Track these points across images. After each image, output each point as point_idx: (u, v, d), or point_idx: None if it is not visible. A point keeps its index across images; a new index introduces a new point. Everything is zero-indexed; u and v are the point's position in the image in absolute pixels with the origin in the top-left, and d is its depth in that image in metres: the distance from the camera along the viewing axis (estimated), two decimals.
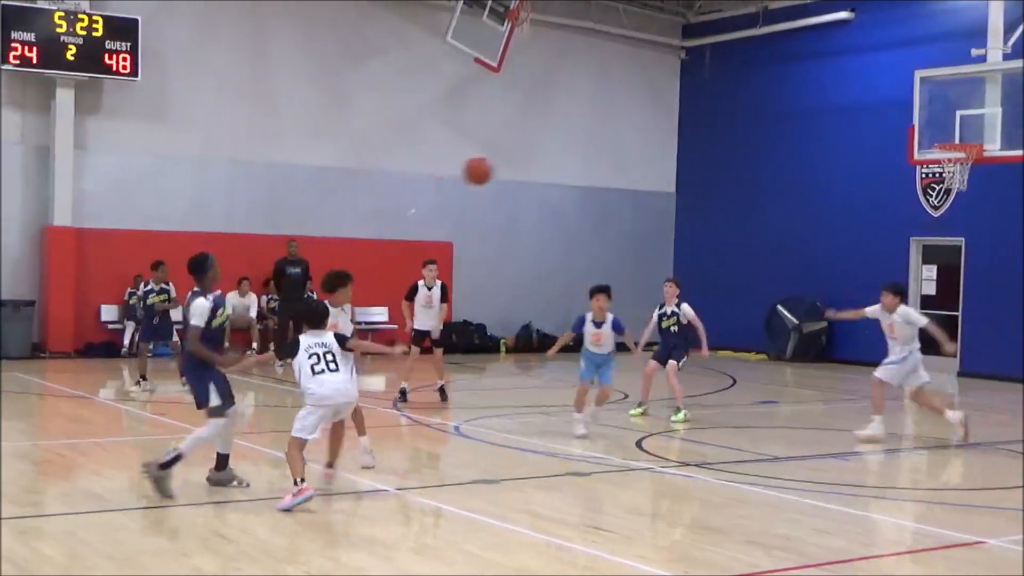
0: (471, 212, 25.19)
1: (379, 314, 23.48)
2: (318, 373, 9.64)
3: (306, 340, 9.83)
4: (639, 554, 8.20)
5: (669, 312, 15.70)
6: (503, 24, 23.25)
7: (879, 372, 14.02)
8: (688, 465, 11.79)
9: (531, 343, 25.33)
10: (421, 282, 16.36)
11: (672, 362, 15.45)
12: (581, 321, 14.29)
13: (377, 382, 19.14)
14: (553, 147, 26.56)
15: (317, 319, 10.01)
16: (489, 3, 23.15)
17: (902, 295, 14.22)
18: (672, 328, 15.56)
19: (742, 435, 14.64)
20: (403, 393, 15.99)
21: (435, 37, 23.86)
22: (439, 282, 16.45)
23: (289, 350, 9.88)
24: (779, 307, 24.75)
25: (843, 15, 24.79)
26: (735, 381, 20.35)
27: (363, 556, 7.94)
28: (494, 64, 23.47)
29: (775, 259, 23.22)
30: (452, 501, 9.64)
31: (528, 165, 26.17)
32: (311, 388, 9.57)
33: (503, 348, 25.10)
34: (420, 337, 16.30)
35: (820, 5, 25.09)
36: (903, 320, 13.97)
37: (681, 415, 15.15)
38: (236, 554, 7.86)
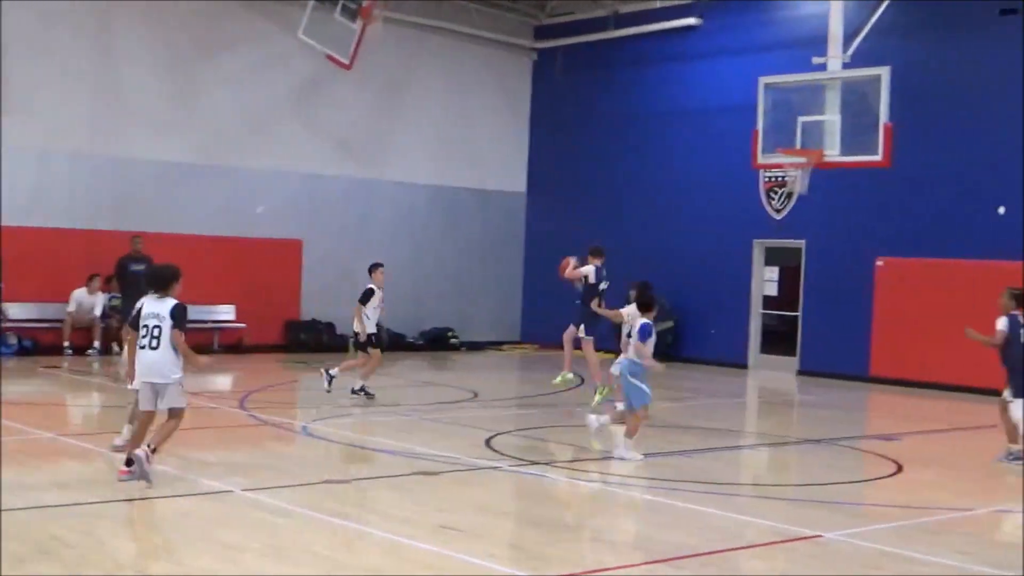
0: (321, 210, 24.96)
1: (226, 312, 23.09)
2: (140, 348, 9.75)
3: (146, 307, 9.81)
4: (489, 552, 8.23)
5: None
6: (355, 21, 23.08)
7: None
8: (536, 463, 11.87)
9: (380, 342, 25.15)
10: (373, 284, 16.92)
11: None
12: (648, 330, 12.55)
13: (224, 381, 18.82)
14: (405, 145, 26.48)
15: (161, 282, 9.89)
16: (341, 0, 22.96)
17: None
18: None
19: (587, 433, 14.80)
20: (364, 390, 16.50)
21: (287, 33, 23.56)
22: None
23: (133, 319, 9.83)
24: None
25: (691, 21, 25.27)
26: (583, 380, 20.57)
27: (208, 559, 7.80)
28: (346, 61, 23.29)
29: (623, 260, 23.45)
30: (300, 502, 9.54)
31: (380, 163, 26.06)
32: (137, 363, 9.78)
33: (352, 347, 24.88)
34: (378, 338, 16.96)
35: (669, 11, 25.53)
36: None
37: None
38: (76, 559, 7.65)
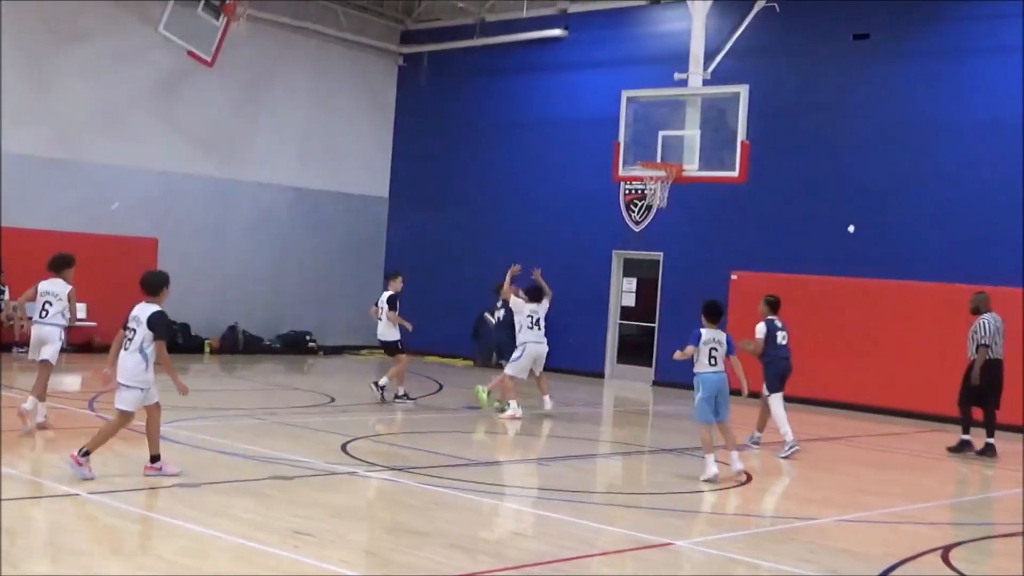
0: (179, 208, 24.50)
1: (78, 311, 22.41)
2: (123, 350, 10.21)
3: (134, 310, 10.32)
4: (342, 558, 8.17)
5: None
6: (219, 18, 22.74)
7: None
8: (393, 469, 11.83)
9: (237, 344, 24.88)
10: (394, 291, 17.96)
11: None
12: (698, 335, 12.44)
13: (73, 381, 18.33)
14: (268, 146, 26.17)
15: (151, 287, 10.45)
16: None
17: None
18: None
19: (447, 440, 14.81)
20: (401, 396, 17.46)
21: (147, 26, 23.10)
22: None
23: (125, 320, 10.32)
24: (485, 314, 25.20)
25: (557, 32, 25.51)
26: (441, 386, 20.58)
27: (48, 565, 7.58)
28: (208, 58, 22.93)
29: (484, 267, 23.60)
30: (150, 506, 9.34)
31: (241, 163, 25.69)
32: None
33: (208, 349, 24.52)
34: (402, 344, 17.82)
35: (535, 21, 25.72)
36: None
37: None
38: None
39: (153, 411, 10.56)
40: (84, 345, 22.00)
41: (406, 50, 28.26)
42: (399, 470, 11.78)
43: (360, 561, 8.31)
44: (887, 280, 20.55)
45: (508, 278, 17.76)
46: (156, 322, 10.25)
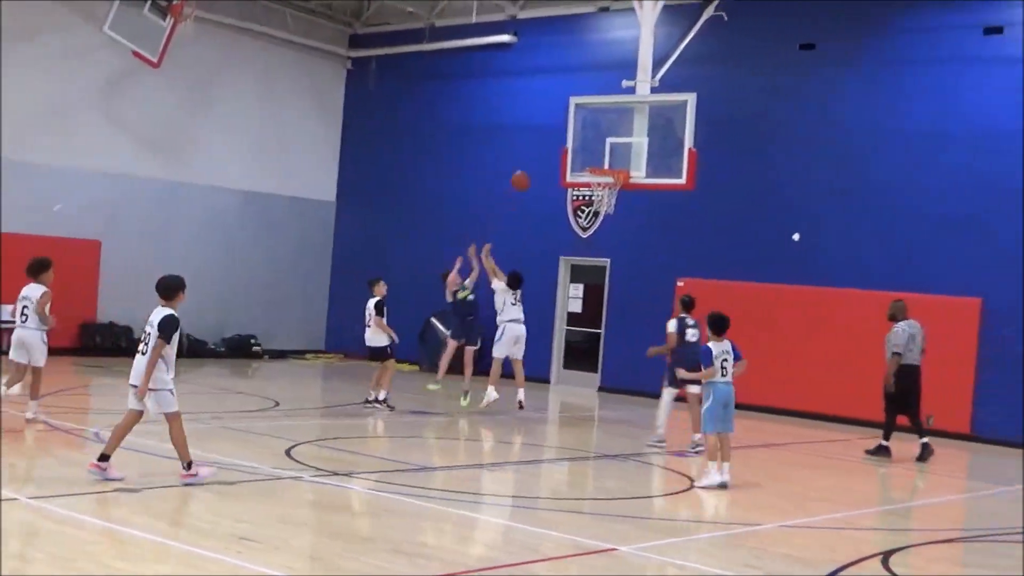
0: (124, 210, 24.24)
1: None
2: (138, 351, 10.48)
3: (151, 315, 10.49)
4: (285, 564, 8.12)
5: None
6: (165, 19, 22.54)
7: None
8: (337, 474, 11.77)
9: (181, 348, 24.47)
10: (381, 297, 17.89)
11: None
12: (709, 352, 12.73)
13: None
14: (216, 148, 25.97)
15: (164, 291, 10.71)
16: None
17: None
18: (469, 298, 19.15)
19: (392, 445, 14.79)
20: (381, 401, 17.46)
21: (92, 26, 22.84)
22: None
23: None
24: (432, 319, 25.14)
25: (506, 38, 25.54)
26: (389, 391, 20.50)
27: None
28: (154, 59, 22.72)
29: (431, 271, 23.50)
30: (88, 510, 9.23)
31: (188, 165, 25.47)
32: None
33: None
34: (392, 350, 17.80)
35: (484, 27, 25.72)
36: None
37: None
38: None
39: (174, 419, 10.74)
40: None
41: (354, 54, 28.18)
42: (344, 475, 11.73)
43: (304, 567, 8.26)
44: (831, 288, 20.75)
45: (487, 255, 19.19)
46: (163, 324, 10.48)
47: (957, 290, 19.58)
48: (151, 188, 24.83)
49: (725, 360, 12.69)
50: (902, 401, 16.25)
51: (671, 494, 12.56)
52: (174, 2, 22.51)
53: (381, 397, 17.53)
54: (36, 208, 22.78)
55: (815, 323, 20.85)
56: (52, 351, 16.48)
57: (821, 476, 14.74)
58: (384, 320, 17.70)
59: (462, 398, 18.82)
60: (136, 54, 22.69)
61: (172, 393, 10.62)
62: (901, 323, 16.32)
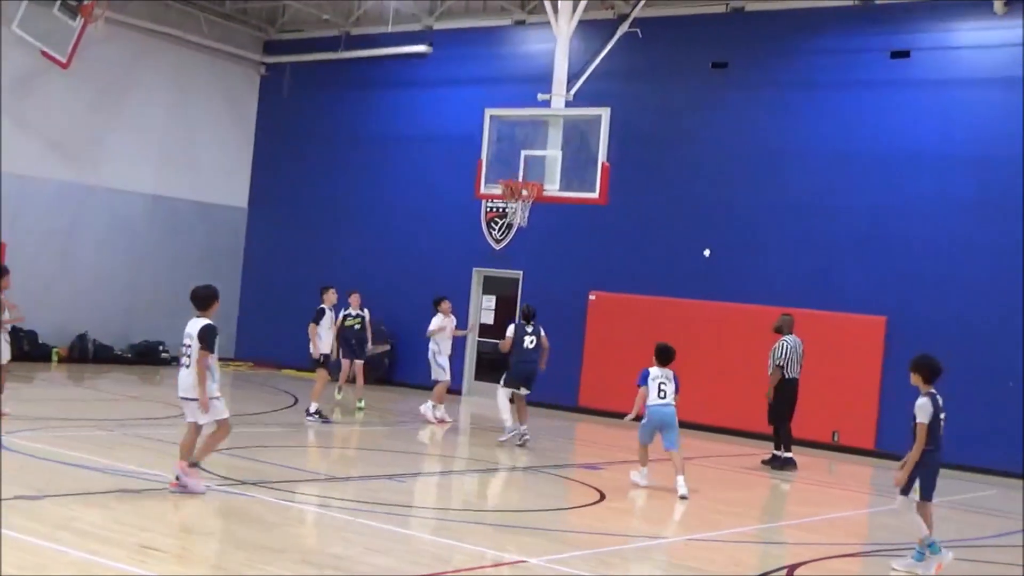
0: (28, 212, 23.74)
1: None
2: (180, 365, 10.77)
3: (187, 326, 10.68)
4: (189, 574, 8.00)
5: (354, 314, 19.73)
6: (75, 19, 22.16)
7: None
8: (245, 483, 11.64)
9: (87, 354, 24.24)
10: (325, 305, 17.93)
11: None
12: (646, 375, 13.79)
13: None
14: (124, 151, 25.56)
15: (199, 301, 10.77)
16: None
17: None
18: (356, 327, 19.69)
19: (300, 454, 14.66)
20: (320, 413, 17.61)
21: None
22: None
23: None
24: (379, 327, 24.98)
25: (421, 48, 25.52)
26: (297, 400, 20.36)
27: None
28: (63, 59, 22.32)
29: (344, 280, 23.35)
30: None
31: (95, 168, 25.04)
32: None
33: (55, 357, 23.83)
34: (325, 360, 17.99)
35: (400, 36, 25.69)
36: None
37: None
38: None
39: (223, 425, 11.00)
40: None
41: (269, 60, 27.96)
42: (252, 484, 11.60)
43: None
44: (740, 304, 21.01)
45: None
46: (203, 334, 10.65)
47: (863, 308, 19.94)
48: (57, 190, 24.38)
49: (663, 384, 13.61)
50: (783, 412, 16.85)
51: (580, 507, 12.60)
52: (84, 2, 22.15)
53: (313, 409, 17.64)
54: None
55: (724, 338, 21.09)
56: None
57: (727, 489, 14.90)
58: (316, 327, 17.90)
59: (358, 404, 19.95)
60: (45, 54, 22.29)
61: (220, 400, 10.92)
62: (787, 337, 16.86)
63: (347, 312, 19.96)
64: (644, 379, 13.60)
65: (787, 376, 16.86)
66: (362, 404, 20.08)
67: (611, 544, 10.50)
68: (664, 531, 11.22)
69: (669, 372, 13.67)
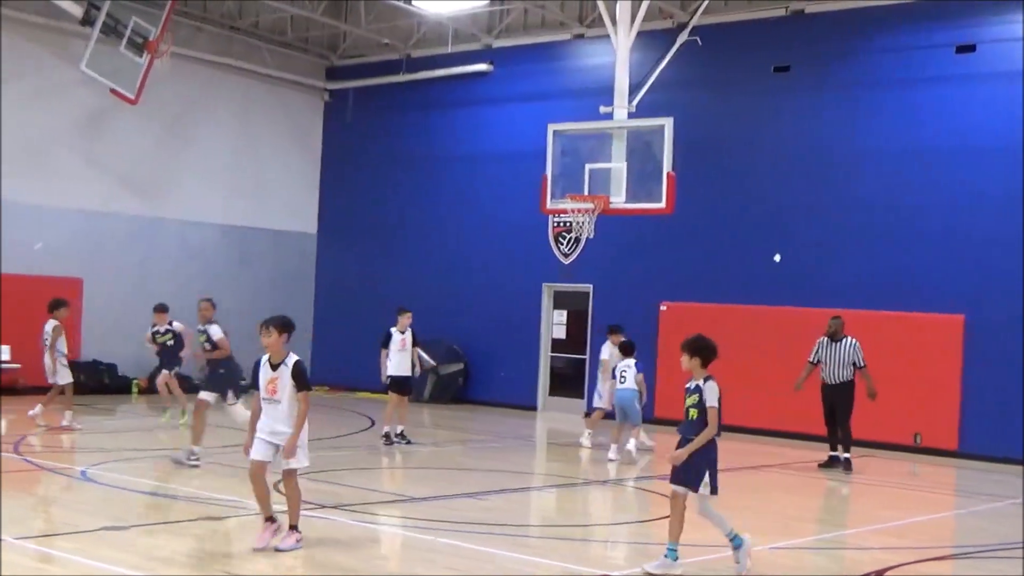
0: (104, 248, 24.18)
1: (2, 352, 22.03)
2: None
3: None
4: None
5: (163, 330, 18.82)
6: (142, 56, 22.52)
7: None
8: (324, 507, 11.72)
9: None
10: (395, 328, 17.71)
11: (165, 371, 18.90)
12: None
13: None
14: (194, 183, 25.94)
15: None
16: (127, 33, 22.39)
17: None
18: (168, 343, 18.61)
19: (380, 476, 14.73)
20: (393, 435, 17.36)
21: (69, 64, 22.82)
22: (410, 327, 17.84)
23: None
24: (417, 349, 25.07)
25: (483, 67, 25.63)
26: (373, 422, 20.46)
27: None
28: (131, 96, 22.69)
29: (415, 302, 23.53)
30: (75, 549, 9.15)
31: (166, 201, 25.44)
32: None
33: (135, 389, 24.17)
34: (397, 382, 17.63)
35: (460, 56, 25.83)
36: None
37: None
38: None
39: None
40: (8, 388, 21.55)
41: (332, 86, 28.23)
42: (333, 508, 11.67)
43: None
44: (813, 308, 20.77)
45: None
46: (300, 372, 9.86)
47: (940, 307, 19.66)
48: (130, 224, 24.79)
49: (624, 372, 16.92)
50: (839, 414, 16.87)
51: (660, 519, 12.52)
52: (150, 39, 22.51)
53: (399, 431, 17.53)
54: (16, 247, 22.70)
55: (798, 343, 20.83)
56: (36, 390, 16.55)
57: (809, 496, 14.74)
58: (389, 351, 17.82)
59: (171, 415, 19.16)
60: (114, 91, 22.67)
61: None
62: (851, 338, 16.79)
63: (155, 329, 19.05)
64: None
65: (821, 378, 16.82)
66: (184, 418, 18.03)
67: (693, 555, 10.41)
68: None
69: (630, 361, 17.03)
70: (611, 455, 16.65)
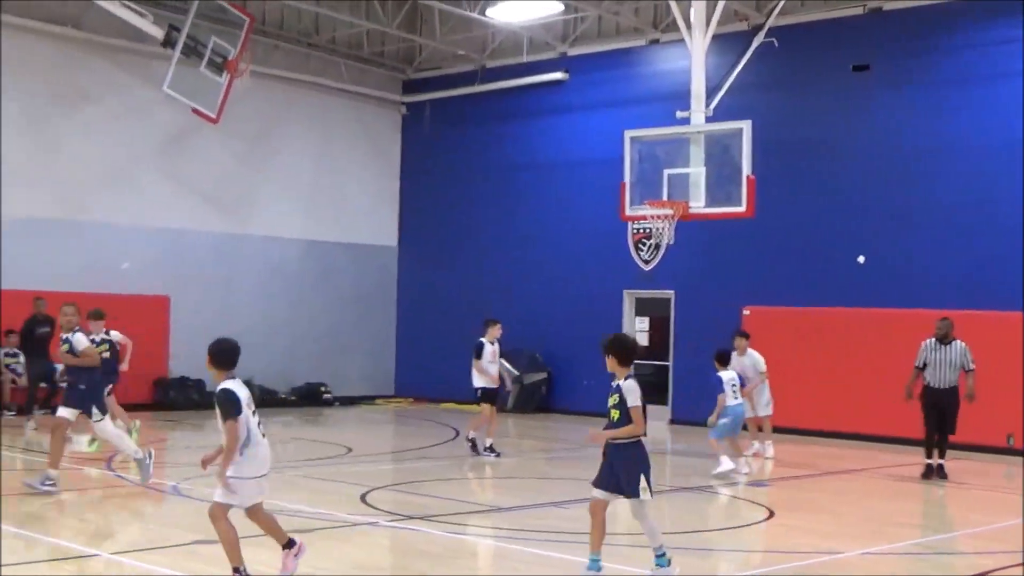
0: (188, 265, 24.57)
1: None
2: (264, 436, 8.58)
3: (240, 390, 8.51)
4: None
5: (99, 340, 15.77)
6: (222, 75, 22.86)
7: None
8: (412, 518, 11.77)
9: (253, 398, 24.78)
10: (485, 339, 17.45)
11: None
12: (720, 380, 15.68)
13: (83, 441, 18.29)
14: (274, 200, 26.27)
15: (235, 359, 8.69)
16: (207, 54, 22.74)
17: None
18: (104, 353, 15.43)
19: (466, 486, 14.77)
20: (484, 448, 17.09)
21: (151, 85, 23.23)
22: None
23: (234, 406, 8.45)
24: (501, 360, 25.12)
25: (558, 76, 25.64)
26: (458, 433, 20.52)
27: None
28: (213, 115, 23.03)
29: (496, 311, 23.60)
30: (169, 563, 9.29)
31: (248, 218, 25.79)
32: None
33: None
34: (489, 394, 17.37)
35: (535, 65, 25.87)
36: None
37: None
38: None
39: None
40: None
41: (408, 99, 28.42)
42: (420, 519, 11.72)
43: None
44: (898, 309, 20.47)
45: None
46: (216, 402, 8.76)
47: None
48: (214, 241, 25.16)
49: (734, 386, 15.65)
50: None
51: (749, 525, 12.41)
52: (230, 58, 22.84)
53: (488, 443, 17.24)
54: (103, 267, 23.15)
55: (883, 345, 20.55)
56: (127, 407, 16.84)
57: (899, 501, 14.51)
58: (481, 362, 17.46)
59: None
60: (195, 111, 23.03)
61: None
62: (928, 341, 16.31)
63: (91, 338, 15.59)
64: (721, 385, 15.51)
65: (925, 382, 16.32)
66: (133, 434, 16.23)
67: (783, 561, 10.31)
68: (839, 546, 10.96)
69: (733, 374, 15.92)
70: (742, 468, 15.74)
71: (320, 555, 9.93)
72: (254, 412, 8.65)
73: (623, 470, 8.95)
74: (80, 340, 13.37)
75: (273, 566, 8.51)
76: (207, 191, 25.12)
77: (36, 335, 20.17)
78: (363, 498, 12.85)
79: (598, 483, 9.14)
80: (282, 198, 26.41)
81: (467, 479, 15.59)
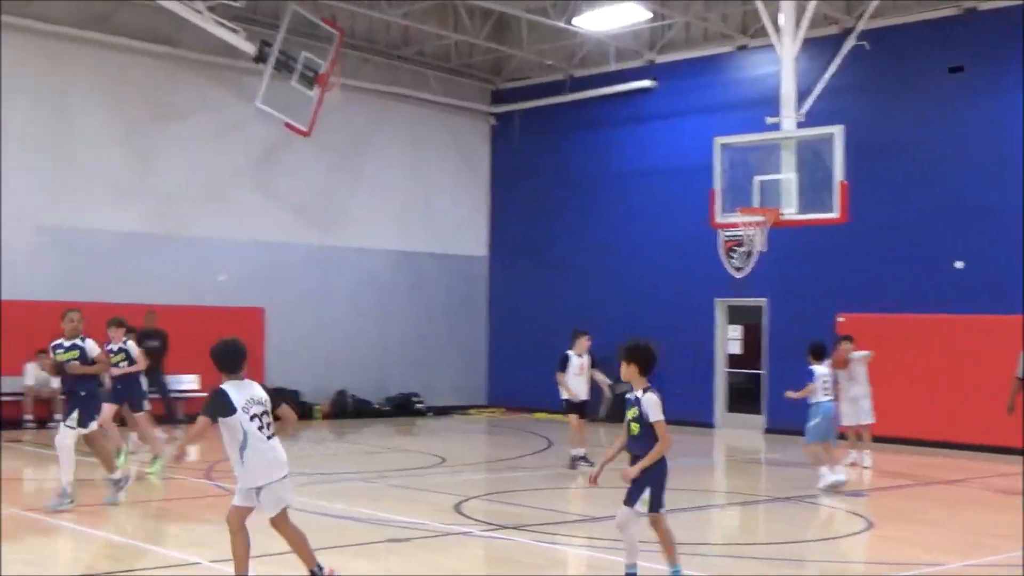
0: (282, 277, 24.91)
1: (190, 382, 22.82)
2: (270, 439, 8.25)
3: (238, 392, 8.21)
4: None
5: (116, 349, 15.22)
6: (312, 89, 23.17)
7: None
8: (506, 528, 11.80)
9: (346, 409, 25.10)
10: (572, 352, 17.28)
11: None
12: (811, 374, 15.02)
13: (189, 451, 18.58)
14: (366, 211, 26.53)
15: (237, 361, 8.42)
16: (298, 68, 23.07)
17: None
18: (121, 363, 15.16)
19: (559, 496, 14.76)
20: (576, 459, 16.70)
21: (243, 100, 23.63)
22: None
23: (221, 407, 8.19)
24: (594, 370, 25.07)
25: (646, 83, 25.56)
26: (551, 443, 20.52)
27: None
28: (305, 129, 23.34)
29: (587, 319, 23.54)
30: (272, 573, 9.41)
31: (341, 230, 26.08)
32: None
33: (318, 414, 24.76)
34: (574, 406, 17.06)
35: (624, 73, 25.82)
36: None
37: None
38: None
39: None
40: (198, 415, 22.24)
41: (497, 109, 28.53)
42: (514, 528, 11.74)
43: None
44: (998, 315, 20.05)
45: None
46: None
47: None
48: (307, 254, 25.48)
49: (825, 383, 14.87)
50: None
51: (847, 536, 12.24)
52: (320, 72, 23.13)
53: (581, 454, 16.92)
54: (198, 280, 23.58)
55: (983, 352, 20.14)
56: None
57: (999, 512, 14.19)
58: (566, 375, 17.20)
59: (161, 462, 15.49)
60: (288, 125, 23.36)
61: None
62: None
63: (108, 347, 15.12)
64: (812, 377, 14.85)
65: None
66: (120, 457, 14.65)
67: (883, 572, 10.15)
68: (940, 558, 10.77)
69: (826, 369, 15.09)
70: (839, 476, 14.80)
71: (414, 564, 10.00)
72: (259, 416, 8.32)
73: (635, 480, 8.81)
74: (92, 347, 12.62)
75: None
76: (300, 204, 25.45)
77: (145, 348, 20.48)
78: (457, 508, 12.90)
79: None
80: (373, 210, 26.66)
81: (559, 489, 15.57)
